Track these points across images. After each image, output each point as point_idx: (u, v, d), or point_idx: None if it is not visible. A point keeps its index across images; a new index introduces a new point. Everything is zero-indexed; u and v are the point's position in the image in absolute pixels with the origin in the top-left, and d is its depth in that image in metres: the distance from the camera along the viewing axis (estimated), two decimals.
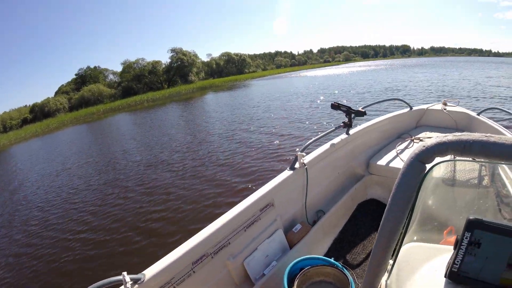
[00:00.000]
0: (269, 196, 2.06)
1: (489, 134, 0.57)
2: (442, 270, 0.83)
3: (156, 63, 52.93)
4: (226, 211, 1.85)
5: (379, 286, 0.94)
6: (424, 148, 0.63)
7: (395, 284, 0.93)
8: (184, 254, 1.51)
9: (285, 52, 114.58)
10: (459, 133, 0.59)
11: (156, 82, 52.04)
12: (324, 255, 2.27)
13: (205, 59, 67.97)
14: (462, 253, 0.75)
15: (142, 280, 1.32)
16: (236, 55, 70.08)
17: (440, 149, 0.61)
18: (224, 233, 1.75)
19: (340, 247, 2.44)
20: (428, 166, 0.67)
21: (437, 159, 0.67)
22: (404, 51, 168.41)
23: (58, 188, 7.71)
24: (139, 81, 50.07)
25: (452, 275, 0.79)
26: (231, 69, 67.45)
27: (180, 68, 53.01)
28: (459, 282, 0.79)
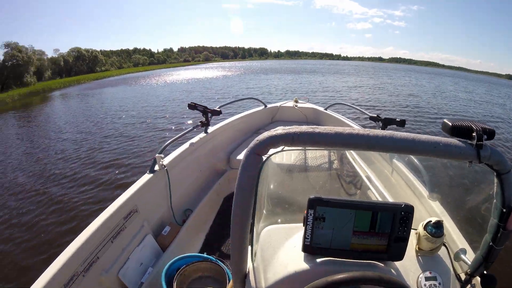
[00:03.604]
0: (131, 203, 2.02)
1: (314, 126, 0.68)
2: (300, 245, 0.93)
3: None
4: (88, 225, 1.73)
5: (247, 270, 1.03)
6: (258, 141, 0.70)
7: (261, 265, 1.00)
8: (50, 279, 1.37)
9: (144, 50, 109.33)
10: (288, 127, 0.67)
11: None
12: (199, 252, 2.35)
13: (52, 54, 58.86)
14: (310, 228, 0.87)
15: None
16: (87, 51, 62.97)
17: (272, 141, 0.68)
18: (90, 248, 1.65)
19: (213, 242, 2.57)
20: (264, 157, 0.75)
21: (271, 150, 0.74)
22: (262, 53, 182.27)
23: None
24: None
25: (306, 248, 0.90)
26: (81, 67, 60.50)
27: (15, 68, 44.17)
28: (314, 253, 0.92)
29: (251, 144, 0.73)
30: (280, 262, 0.96)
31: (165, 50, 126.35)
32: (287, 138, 0.67)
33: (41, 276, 1.38)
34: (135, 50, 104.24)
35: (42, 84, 42.58)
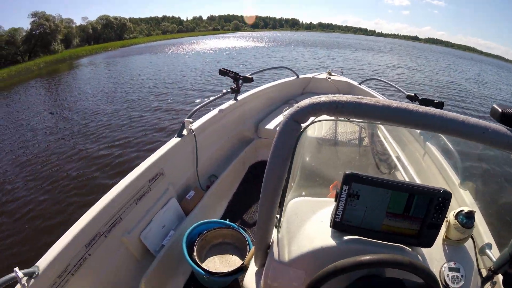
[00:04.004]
0: (158, 166, 2.03)
1: (360, 96, 0.62)
2: (328, 220, 0.92)
3: (14, 31, 43.91)
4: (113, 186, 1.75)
5: (271, 240, 1.02)
6: (298, 108, 0.66)
7: (286, 236, 0.99)
8: (74, 238, 1.41)
9: (173, 17, 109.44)
10: (332, 95, 0.63)
11: (15, 54, 43.32)
12: (221, 219, 2.38)
13: (80, 22, 59.78)
14: (343, 205, 0.84)
15: (36, 273, 1.22)
16: (116, 18, 63.43)
17: (313, 109, 0.64)
18: (114, 209, 1.68)
19: (235, 209, 2.59)
20: (303, 125, 0.71)
21: (311, 119, 0.70)
22: (293, 24, 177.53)
23: None
24: None
25: (336, 224, 0.88)
26: (110, 34, 61.24)
27: (43, 36, 45.17)
28: (343, 230, 0.89)
29: (291, 110, 0.68)
30: (306, 236, 0.95)
31: (194, 18, 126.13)
32: (331, 107, 0.63)
33: (63, 235, 1.42)
34: (164, 18, 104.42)
35: (69, 51, 42.86)
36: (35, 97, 12.59)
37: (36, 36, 44.11)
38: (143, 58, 23.46)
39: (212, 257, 1.98)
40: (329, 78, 4.10)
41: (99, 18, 62.13)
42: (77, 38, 53.04)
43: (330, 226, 0.90)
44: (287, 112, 0.70)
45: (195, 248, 1.82)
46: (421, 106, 0.60)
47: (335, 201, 0.87)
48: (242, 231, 1.97)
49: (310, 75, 4.24)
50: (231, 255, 1.99)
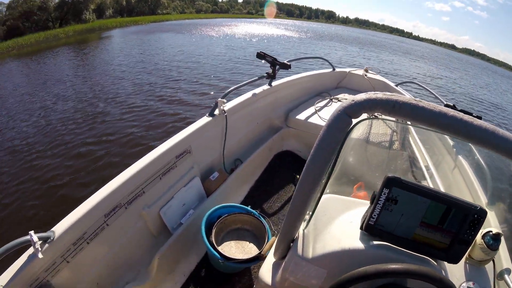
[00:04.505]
0: (186, 143, 2.03)
1: (418, 99, 0.61)
2: (357, 222, 0.90)
3: None
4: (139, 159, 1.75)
5: (296, 234, 1.00)
6: (353, 102, 0.64)
7: (312, 233, 0.98)
8: (94, 206, 1.42)
9: None
10: (389, 93, 0.62)
11: (46, 21, 44.25)
12: (240, 203, 2.36)
13: None
14: (379, 208, 0.82)
15: (52, 238, 1.23)
16: None
17: (369, 104, 0.62)
18: (138, 181, 1.68)
19: (256, 196, 2.57)
20: (354, 121, 0.69)
21: (364, 115, 0.69)
22: (329, 16, 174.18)
23: None
24: (27, 20, 42.11)
25: (368, 227, 0.85)
26: (143, 8, 61.84)
27: (75, 5, 45.89)
28: (374, 234, 0.87)
29: (344, 103, 0.66)
30: (333, 235, 0.94)
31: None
32: (387, 105, 0.61)
33: (83, 203, 1.43)
34: None
35: (99, 22, 43.36)
36: (61, 65, 12.82)
37: (68, 3, 44.96)
38: (176, 36, 23.38)
39: (228, 242, 1.97)
40: (366, 75, 4.00)
41: None
42: (111, 9, 53.88)
43: (361, 229, 0.88)
44: (339, 104, 0.68)
45: (214, 230, 1.81)
46: (476, 119, 0.58)
47: (371, 203, 0.85)
48: (262, 219, 1.94)
49: (347, 70, 4.14)
50: (248, 243, 1.97)
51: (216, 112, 2.30)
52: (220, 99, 2.28)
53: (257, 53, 2.75)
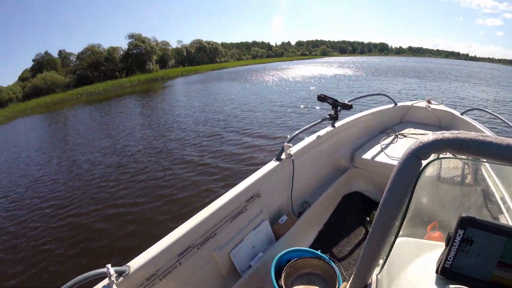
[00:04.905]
0: (255, 187, 2.09)
1: (484, 134, 0.59)
2: (432, 265, 0.86)
3: (113, 50, 49.27)
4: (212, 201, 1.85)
5: (369, 280, 0.99)
6: (421, 144, 0.64)
7: (386, 278, 0.96)
8: (169, 245, 1.51)
9: (262, 43, 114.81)
10: (456, 131, 0.61)
11: (113, 71, 49.16)
12: (309, 247, 2.32)
13: (175, 45, 66.33)
14: (455, 250, 0.78)
15: (127, 272, 1.31)
16: (208, 43, 68.81)
17: (437, 145, 0.62)
18: (210, 224, 1.76)
19: (325, 239, 2.52)
20: (424, 162, 0.68)
21: (433, 156, 0.68)
22: (382, 49, 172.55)
23: None
24: (96, 69, 47.31)
25: (444, 271, 0.81)
26: (202, 57, 66.34)
27: (138, 56, 50.39)
28: (451, 278, 0.82)
29: (412, 146, 0.67)
30: (408, 281, 0.90)
31: (282, 43, 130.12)
32: (454, 144, 0.60)
33: (159, 241, 1.52)
34: (254, 43, 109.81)
35: (163, 72, 47.38)
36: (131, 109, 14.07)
37: (133, 55, 50.05)
38: (233, 84, 24.49)
39: (298, 287, 1.93)
40: (429, 107, 3.86)
41: (192, 42, 68.10)
42: (173, 59, 58.61)
43: (437, 273, 0.83)
44: (408, 147, 0.68)
45: (283, 274, 1.80)
46: None
47: (446, 245, 0.81)
48: (332, 264, 1.90)
49: (409, 103, 4.04)
50: None
51: (283, 156, 2.35)
52: (286, 143, 2.33)
53: (318, 96, 2.81)
